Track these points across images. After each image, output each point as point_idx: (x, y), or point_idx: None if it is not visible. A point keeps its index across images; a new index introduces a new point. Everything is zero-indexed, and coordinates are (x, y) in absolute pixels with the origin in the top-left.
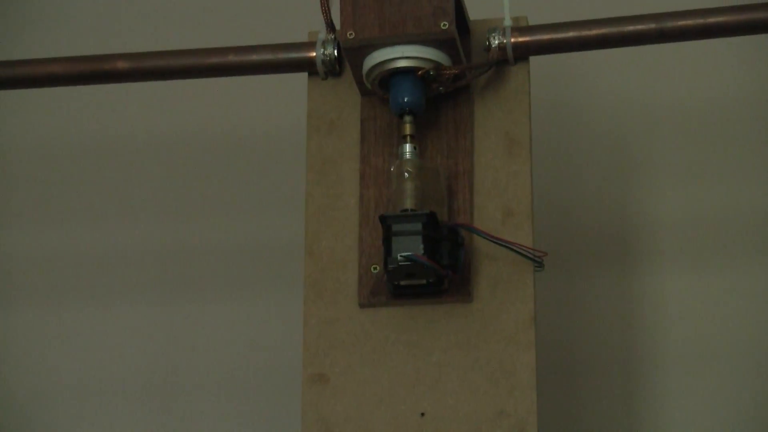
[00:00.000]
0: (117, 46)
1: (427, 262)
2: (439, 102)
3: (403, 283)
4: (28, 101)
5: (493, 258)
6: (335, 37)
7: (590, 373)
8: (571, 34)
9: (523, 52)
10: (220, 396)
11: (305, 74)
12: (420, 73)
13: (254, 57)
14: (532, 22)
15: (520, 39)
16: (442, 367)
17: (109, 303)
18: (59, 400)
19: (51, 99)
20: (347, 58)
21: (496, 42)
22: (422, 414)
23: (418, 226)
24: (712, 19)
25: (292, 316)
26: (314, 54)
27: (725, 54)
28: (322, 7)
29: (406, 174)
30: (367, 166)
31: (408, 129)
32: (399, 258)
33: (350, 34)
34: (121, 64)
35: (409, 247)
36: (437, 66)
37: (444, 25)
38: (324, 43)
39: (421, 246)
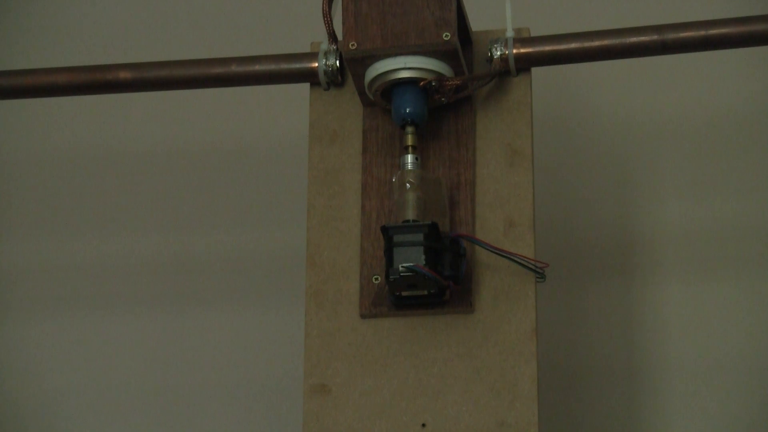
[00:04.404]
0: (120, 57)
1: (428, 272)
2: (441, 113)
3: (404, 293)
4: (30, 111)
5: (494, 269)
6: (337, 48)
7: (591, 384)
8: (573, 45)
9: (525, 64)
10: (222, 407)
11: (307, 85)
12: (422, 84)
13: (257, 67)
14: (534, 34)
15: (522, 50)
16: (444, 378)
17: (111, 313)
18: (62, 410)
19: (53, 109)
20: (349, 69)
21: (498, 53)
22: (423, 425)
23: (420, 237)
24: (714, 31)
25: (293, 327)
26: (316, 64)
27: (728, 66)
28: (324, 17)
29: (407, 185)
30: (369, 176)
31: (410, 140)
32: (400, 269)
33: (352, 45)
34: (124, 75)
35: (410, 258)
36: (439, 77)
37: (446, 36)
38: (326, 54)
39: (423, 257)
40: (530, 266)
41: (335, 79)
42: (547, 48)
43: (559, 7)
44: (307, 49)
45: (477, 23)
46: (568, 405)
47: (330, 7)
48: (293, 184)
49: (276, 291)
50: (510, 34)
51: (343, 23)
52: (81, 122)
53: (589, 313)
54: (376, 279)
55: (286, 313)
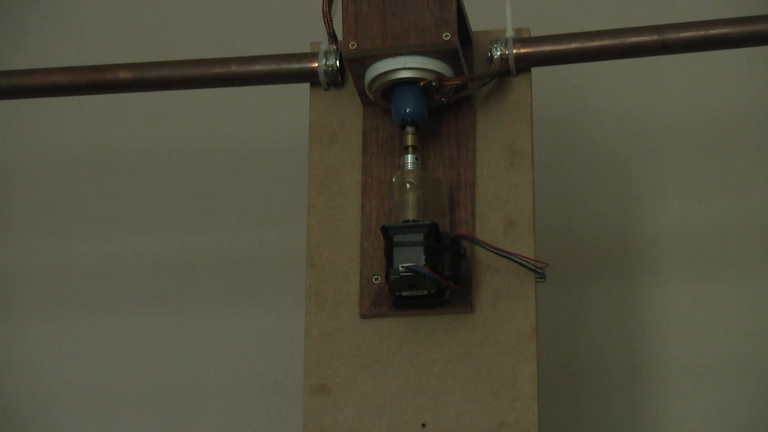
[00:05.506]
0: (120, 57)
1: (428, 272)
2: (441, 113)
3: (404, 293)
4: (30, 111)
5: (494, 269)
6: (337, 48)
7: (592, 384)
8: (573, 45)
9: (525, 64)
10: (222, 407)
11: (307, 85)
12: (422, 84)
13: (257, 67)
14: (534, 34)
15: (522, 50)
16: (444, 378)
17: (111, 313)
18: (62, 410)
19: (53, 109)
20: (349, 69)
21: (498, 53)
22: (423, 425)
23: (420, 237)
24: (714, 31)
25: (293, 327)
26: (316, 64)
27: (728, 66)
28: (324, 17)
29: (407, 185)
30: (369, 176)
31: (410, 140)
32: (400, 269)
33: (352, 45)
34: (124, 75)
35: (410, 258)
36: (439, 77)
37: (446, 36)
38: (326, 54)
39: (423, 257)
40: (530, 266)
41: (335, 79)
42: (547, 48)
43: (559, 7)
44: (307, 49)
45: (477, 23)
46: (568, 405)
47: (330, 7)
48: (293, 184)
49: (276, 291)
50: (510, 34)
51: (343, 23)
52: (81, 122)
53: (589, 313)
54: (376, 279)
55: (286, 313)
